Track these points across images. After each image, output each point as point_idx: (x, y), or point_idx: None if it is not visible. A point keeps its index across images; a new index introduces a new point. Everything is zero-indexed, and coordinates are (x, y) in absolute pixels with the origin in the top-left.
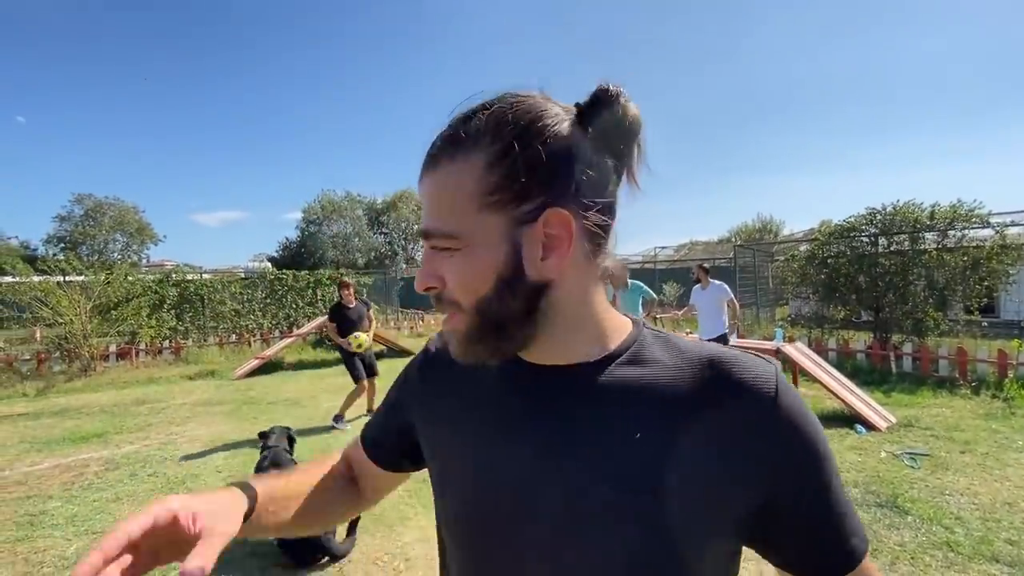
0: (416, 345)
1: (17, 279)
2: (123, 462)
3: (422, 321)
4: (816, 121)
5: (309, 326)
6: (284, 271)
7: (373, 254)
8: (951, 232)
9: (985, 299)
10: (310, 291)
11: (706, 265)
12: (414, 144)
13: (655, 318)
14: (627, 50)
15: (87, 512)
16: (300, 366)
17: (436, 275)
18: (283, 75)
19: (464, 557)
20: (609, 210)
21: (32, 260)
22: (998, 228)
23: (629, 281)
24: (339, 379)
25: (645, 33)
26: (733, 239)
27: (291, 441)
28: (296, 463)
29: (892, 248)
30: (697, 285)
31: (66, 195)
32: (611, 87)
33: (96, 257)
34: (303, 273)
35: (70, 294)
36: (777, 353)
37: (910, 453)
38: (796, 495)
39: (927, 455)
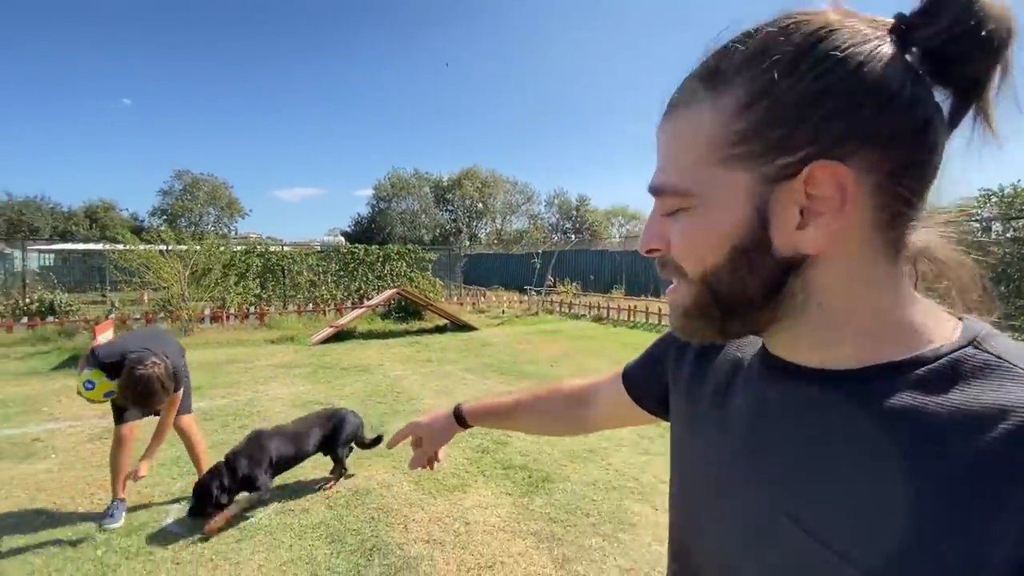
0: (477, 321)
1: (126, 247)
2: (217, 413)
3: (483, 297)
4: None
5: (379, 298)
6: (356, 245)
7: (438, 230)
8: None
9: None
10: (380, 265)
11: None
12: (479, 123)
13: None
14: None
15: (187, 456)
16: (370, 335)
17: (662, 236)
18: (355, 56)
19: (673, 542)
20: (924, 166)
21: (139, 231)
22: None
23: None
24: (405, 349)
25: None
26: None
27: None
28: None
29: (1010, 235)
30: None
31: (167, 171)
32: None
33: (192, 228)
34: (373, 247)
35: (170, 262)
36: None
37: None
38: None
39: None
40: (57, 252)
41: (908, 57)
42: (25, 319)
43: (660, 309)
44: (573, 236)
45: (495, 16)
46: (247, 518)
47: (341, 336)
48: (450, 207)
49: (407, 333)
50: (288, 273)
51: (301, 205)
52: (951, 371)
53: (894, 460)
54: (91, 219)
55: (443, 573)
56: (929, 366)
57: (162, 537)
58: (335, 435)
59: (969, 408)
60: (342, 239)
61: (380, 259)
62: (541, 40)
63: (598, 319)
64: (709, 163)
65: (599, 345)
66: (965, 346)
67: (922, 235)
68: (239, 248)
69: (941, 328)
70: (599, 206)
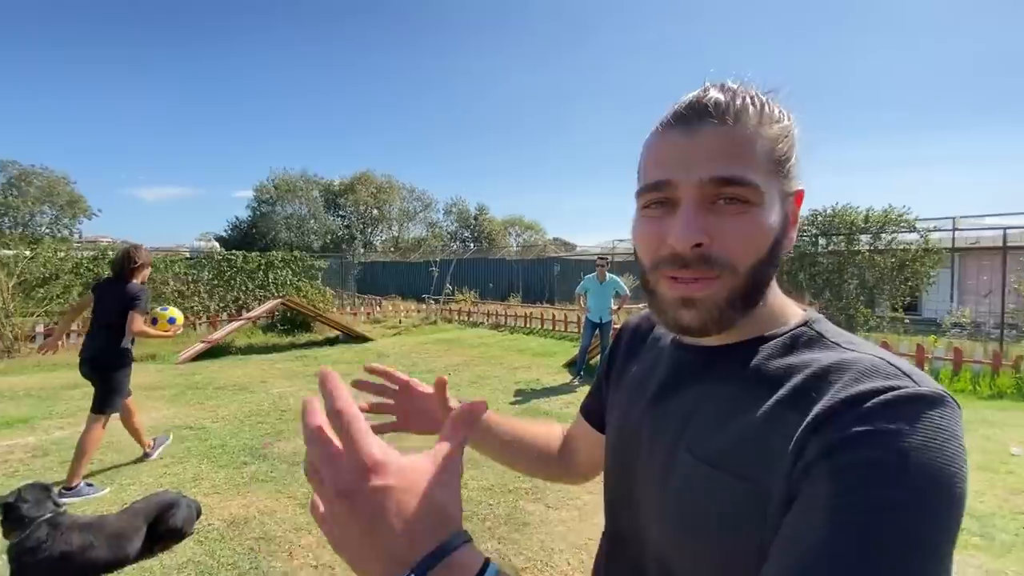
0: (372, 331)
1: None
2: (53, 449)
3: (379, 307)
4: None
5: (260, 309)
6: (233, 252)
7: (330, 237)
8: (882, 235)
9: (908, 298)
10: (262, 273)
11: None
12: (374, 126)
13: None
14: (589, 47)
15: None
16: (250, 350)
17: (708, 230)
18: (232, 46)
19: (606, 508)
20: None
21: None
22: (923, 233)
23: (607, 275)
24: (291, 364)
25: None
26: None
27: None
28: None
29: (830, 248)
30: (593, 275)
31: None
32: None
33: (20, 230)
34: (254, 254)
35: None
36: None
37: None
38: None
39: None
40: None
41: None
42: None
43: (554, 316)
44: (472, 244)
45: (391, 14)
46: None
47: (215, 352)
48: (342, 212)
49: (294, 346)
50: (150, 282)
51: (166, 206)
52: (790, 341)
53: (750, 396)
54: None
55: None
56: (778, 339)
57: None
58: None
59: (793, 363)
60: (216, 245)
61: (262, 267)
62: (441, 47)
63: (496, 327)
64: (765, 171)
65: (497, 352)
66: (802, 326)
67: None
68: (86, 253)
69: (791, 314)
70: (496, 216)
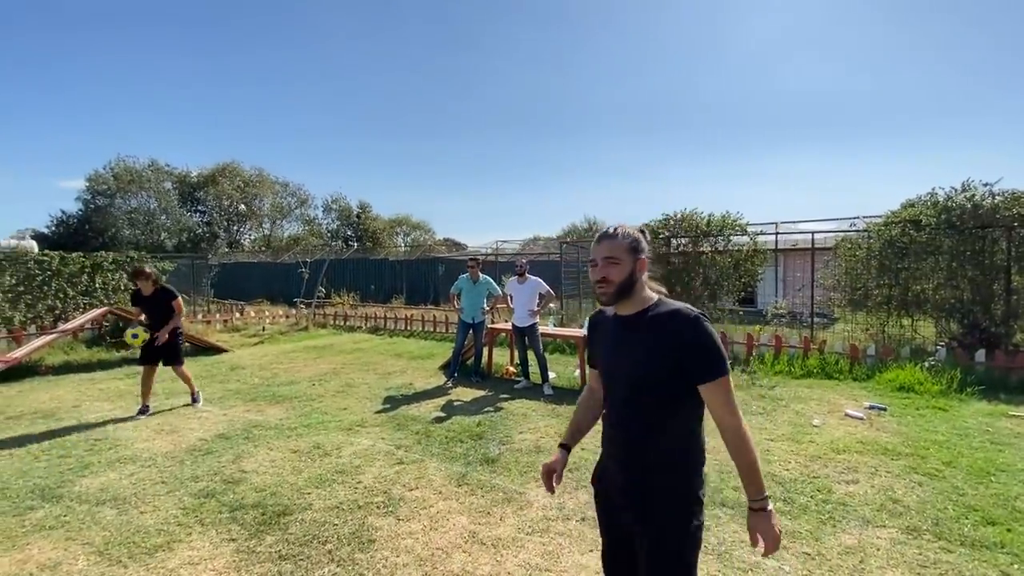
0: (230, 341)
1: None
2: None
3: (240, 313)
4: (639, 137)
5: (80, 320)
6: (48, 252)
7: (186, 235)
8: (720, 237)
9: (743, 292)
10: (86, 277)
11: (524, 262)
12: (240, 113)
13: (495, 310)
14: (477, 51)
15: None
16: (66, 369)
17: (608, 275)
18: (65, 19)
19: (606, 391)
20: (647, 258)
21: None
22: (752, 236)
23: (480, 275)
24: (116, 383)
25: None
26: (565, 237)
27: None
28: None
29: (680, 248)
30: (515, 278)
31: None
32: (646, 230)
33: None
34: (76, 255)
35: None
36: (584, 339)
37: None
38: (695, 355)
39: None
40: None
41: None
42: None
43: (435, 317)
44: (355, 244)
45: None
46: None
47: (16, 373)
48: (202, 207)
49: (126, 362)
50: None
51: None
52: (655, 306)
53: (650, 334)
54: None
55: None
56: (651, 307)
57: None
58: None
59: (659, 312)
60: (33, 244)
61: (86, 270)
62: (313, 35)
63: (375, 330)
64: (625, 252)
65: (372, 357)
66: (656, 300)
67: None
68: None
69: (652, 296)
70: (383, 214)
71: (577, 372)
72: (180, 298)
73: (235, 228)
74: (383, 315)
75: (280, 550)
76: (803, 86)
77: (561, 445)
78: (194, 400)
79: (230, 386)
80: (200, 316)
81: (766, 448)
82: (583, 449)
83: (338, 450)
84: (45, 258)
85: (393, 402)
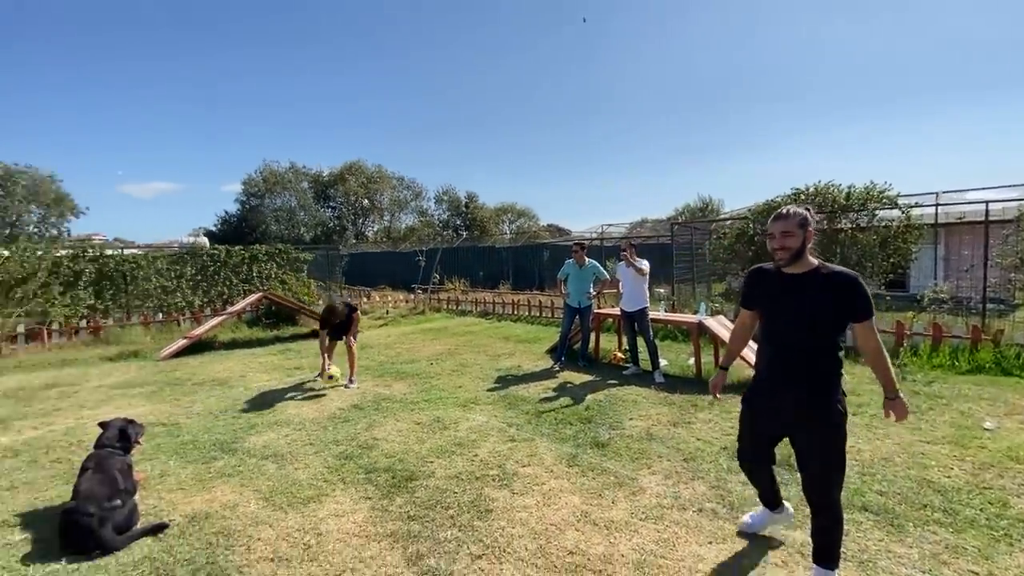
0: (362, 322)
1: None
2: (23, 449)
3: (367, 298)
4: (760, 107)
5: (241, 304)
6: (216, 247)
7: (320, 229)
8: (863, 212)
9: (891, 275)
10: (246, 267)
11: (635, 243)
12: (362, 117)
13: (602, 295)
14: (576, 31)
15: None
16: (233, 345)
17: (785, 244)
18: (213, 38)
19: (768, 335)
20: (812, 230)
21: None
22: (904, 209)
23: (586, 260)
24: (271, 358)
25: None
26: (676, 218)
27: (124, 434)
28: (129, 457)
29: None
30: (623, 262)
31: None
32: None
33: (7, 231)
34: (237, 248)
35: None
36: (700, 326)
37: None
38: (856, 304)
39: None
40: None
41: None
42: None
43: (541, 302)
44: (464, 233)
45: (375, 9)
46: (51, 565)
47: (198, 348)
48: (333, 204)
49: (278, 340)
50: (133, 280)
51: (157, 202)
52: (820, 268)
53: (817, 288)
54: None
55: None
56: (819, 270)
57: None
58: None
59: (826, 273)
60: (205, 240)
61: (245, 261)
62: (421, 38)
63: (484, 314)
64: (797, 227)
65: (482, 340)
66: (820, 263)
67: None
68: (64, 252)
69: (814, 262)
70: (488, 203)
71: (692, 360)
72: (359, 311)
73: (360, 221)
74: (491, 300)
75: (408, 511)
76: (967, 34)
77: (721, 367)
78: (349, 382)
79: (361, 363)
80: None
81: (920, 451)
82: (697, 440)
83: (455, 424)
84: (216, 251)
85: (504, 382)
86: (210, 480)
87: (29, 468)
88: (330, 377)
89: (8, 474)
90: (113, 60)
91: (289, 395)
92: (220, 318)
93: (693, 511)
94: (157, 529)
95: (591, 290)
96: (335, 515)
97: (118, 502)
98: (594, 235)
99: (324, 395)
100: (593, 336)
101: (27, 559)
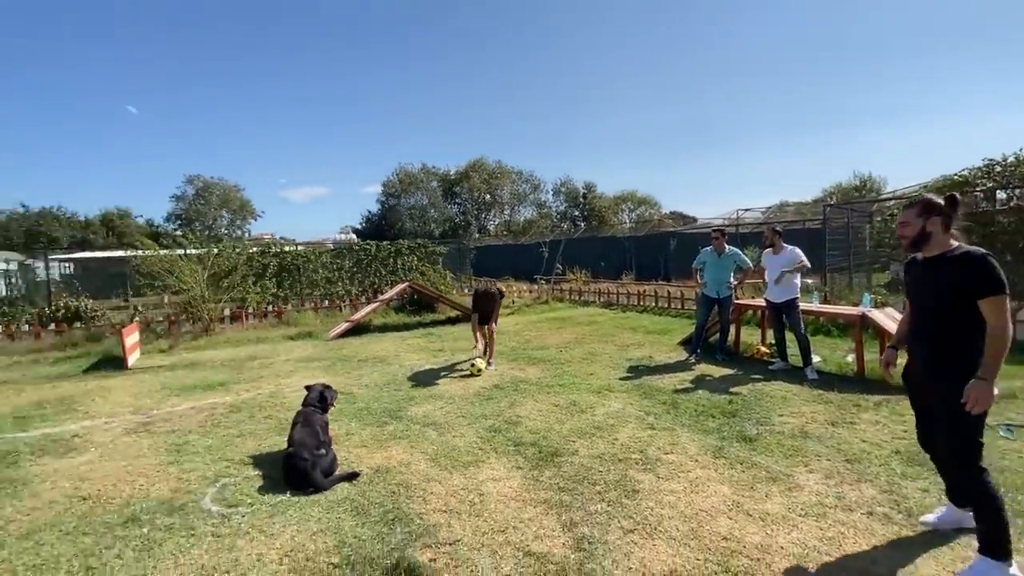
0: None
1: (147, 253)
2: (243, 407)
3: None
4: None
5: (390, 292)
6: (368, 242)
7: (448, 224)
8: None
9: None
10: (392, 260)
11: (779, 228)
12: (483, 115)
13: (742, 284)
14: None
15: (219, 444)
16: (384, 328)
17: (903, 233)
18: (353, 55)
19: (910, 317)
20: (948, 217)
21: (155, 237)
22: None
23: (727, 247)
24: (417, 340)
25: None
26: (827, 199)
27: (323, 397)
28: (326, 416)
29: (1012, 204)
30: (768, 249)
31: (179, 176)
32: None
33: (207, 232)
34: (385, 243)
35: (190, 265)
36: (863, 318)
37: (1008, 425)
38: (977, 281)
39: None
40: (77, 260)
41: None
42: (52, 325)
43: (670, 293)
44: (581, 224)
45: (491, 8)
46: (279, 496)
47: (357, 330)
48: (458, 200)
49: (420, 325)
50: (303, 271)
51: (309, 205)
52: (958, 251)
53: (952, 268)
54: (108, 227)
55: (459, 537)
56: (952, 251)
57: (201, 515)
58: None
59: (960, 254)
60: (354, 237)
61: (391, 255)
62: (537, 29)
63: (607, 305)
64: (917, 216)
65: (608, 330)
66: (957, 245)
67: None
68: (255, 249)
69: (953, 243)
70: (606, 192)
71: (851, 357)
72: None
73: (482, 215)
74: (615, 290)
75: (558, 483)
76: None
77: (890, 346)
78: (488, 364)
79: (496, 348)
80: (466, 290)
81: None
82: (862, 442)
83: (592, 409)
84: (368, 247)
85: (636, 372)
86: (385, 441)
87: (249, 421)
88: (479, 370)
89: (236, 425)
90: (273, 81)
91: (438, 373)
92: (374, 305)
93: (861, 513)
94: (351, 477)
95: (731, 279)
96: (493, 479)
97: (323, 451)
98: (726, 221)
99: (467, 375)
100: (733, 328)
101: (261, 490)
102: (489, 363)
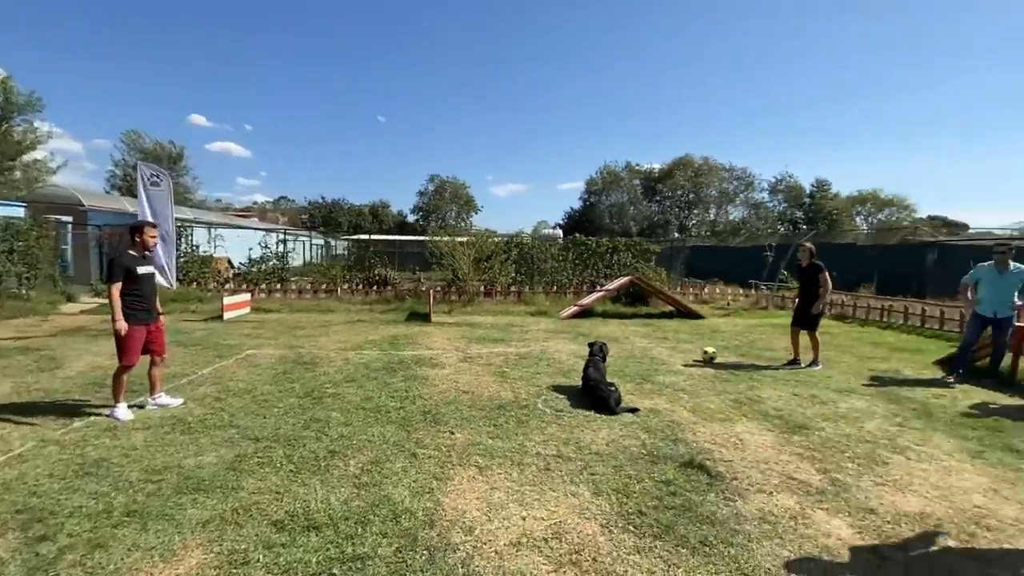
0: (702, 310)
1: (435, 238)
2: (527, 356)
3: (704, 290)
4: None
5: (616, 283)
6: (589, 238)
7: (646, 222)
8: None
9: None
10: (609, 255)
11: None
12: (691, 111)
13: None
14: None
15: (526, 376)
16: (606, 315)
17: None
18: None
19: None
20: None
21: (403, 224)
22: None
23: (1012, 263)
24: (640, 328)
25: None
26: None
27: (602, 349)
28: (604, 364)
29: None
30: None
31: (422, 175)
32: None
33: (440, 223)
34: (604, 240)
35: (463, 249)
36: None
37: None
38: None
39: None
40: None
41: None
42: (375, 287)
43: (924, 310)
44: (804, 226)
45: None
46: (586, 412)
47: (583, 314)
48: (659, 198)
49: (636, 316)
50: (535, 260)
51: (508, 200)
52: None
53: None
54: (373, 215)
55: (729, 460)
56: None
57: (540, 412)
58: None
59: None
60: (559, 232)
61: (609, 251)
62: (749, 22)
63: (842, 317)
64: None
65: (843, 341)
66: None
67: None
68: (498, 239)
69: None
70: (839, 191)
71: None
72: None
73: (684, 215)
74: (851, 303)
75: (807, 445)
76: None
77: None
78: (813, 363)
79: (719, 342)
80: (677, 289)
81: None
82: None
83: (833, 403)
84: (589, 242)
85: (880, 382)
86: (647, 394)
87: (536, 365)
88: (711, 357)
89: (530, 366)
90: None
91: (668, 354)
92: (601, 293)
93: None
94: (634, 410)
95: (1015, 299)
96: (748, 432)
97: (613, 387)
98: (1014, 231)
99: (699, 358)
100: (1011, 355)
101: (572, 406)
102: (814, 362)
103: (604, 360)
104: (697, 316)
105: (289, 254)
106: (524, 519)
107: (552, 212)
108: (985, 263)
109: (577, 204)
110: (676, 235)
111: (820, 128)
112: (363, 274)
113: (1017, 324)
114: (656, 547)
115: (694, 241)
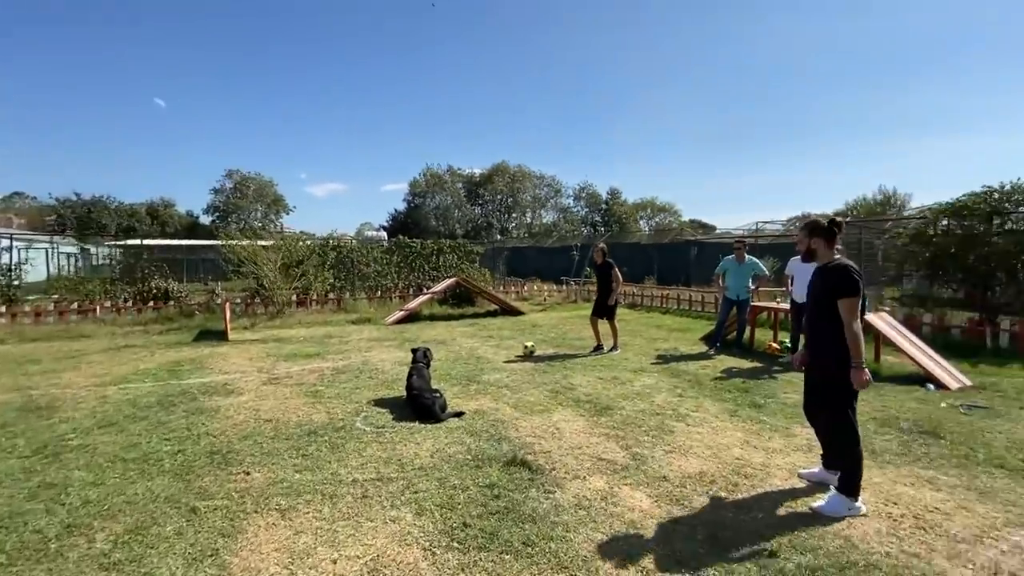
0: (522, 307)
1: (232, 243)
2: (345, 369)
3: (524, 288)
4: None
5: (441, 285)
6: (413, 240)
7: (470, 225)
8: None
9: None
10: (434, 257)
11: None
12: (507, 119)
13: (758, 290)
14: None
15: (343, 393)
16: (433, 318)
17: (800, 247)
18: (368, 56)
19: (806, 316)
20: (832, 236)
21: (193, 227)
22: None
23: (747, 256)
24: (467, 328)
25: None
26: (849, 213)
27: (426, 355)
28: (428, 370)
29: (1007, 228)
30: (797, 257)
31: (218, 170)
32: (839, 220)
33: (242, 225)
34: (429, 242)
35: (266, 254)
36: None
37: (969, 405)
38: (837, 285)
39: (985, 408)
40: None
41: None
42: (151, 303)
43: (691, 296)
44: (602, 229)
45: (514, 17)
46: (410, 423)
47: (408, 318)
48: (481, 202)
49: (463, 316)
50: (356, 264)
51: (327, 200)
52: (833, 263)
53: (826, 276)
54: (152, 216)
55: (548, 449)
56: (830, 262)
57: (359, 432)
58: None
59: (833, 266)
60: (383, 235)
61: (434, 252)
62: (561, 37)
63: (632, 306)
64: (805, 234)
65: (635, 327)
66: (837, 258)
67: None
68: (313, 242)
69: (832, 256)
70: (627, 198)
71: None
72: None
73: (504, 218)
74: (639, 292)
75: (612, 425)
76: None
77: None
78: (613, 348)
79: (538, 336)
80: (501, 288)
81: None
82: None
83: (631, 382)
84: (414, 244)
85: (664, 359)
86: (472, 395)
87: (356, 380)
88: (531, 351)
89: (347, 382)
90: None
91: (493, 352)
92: (427, 296)
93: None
94: (459, 414)
95: (750, 284)
96: (564, 420)
97: (437, 393)
98: (745, 231)
99: (520, 354)
100: (749, 328)
101: (395, 419)
102: (614, 347)
103: (428, 366)
104: (519, 313)
105: (22, 266)
106: (335, 562)
107: (377, 214)
108: (729, 256)
109: (402, 206)
110: (498, 237)
111: (604, 140)
112: (134, 288)
113: (752, 304)
114: (481, 560)
115: (514, 242)
